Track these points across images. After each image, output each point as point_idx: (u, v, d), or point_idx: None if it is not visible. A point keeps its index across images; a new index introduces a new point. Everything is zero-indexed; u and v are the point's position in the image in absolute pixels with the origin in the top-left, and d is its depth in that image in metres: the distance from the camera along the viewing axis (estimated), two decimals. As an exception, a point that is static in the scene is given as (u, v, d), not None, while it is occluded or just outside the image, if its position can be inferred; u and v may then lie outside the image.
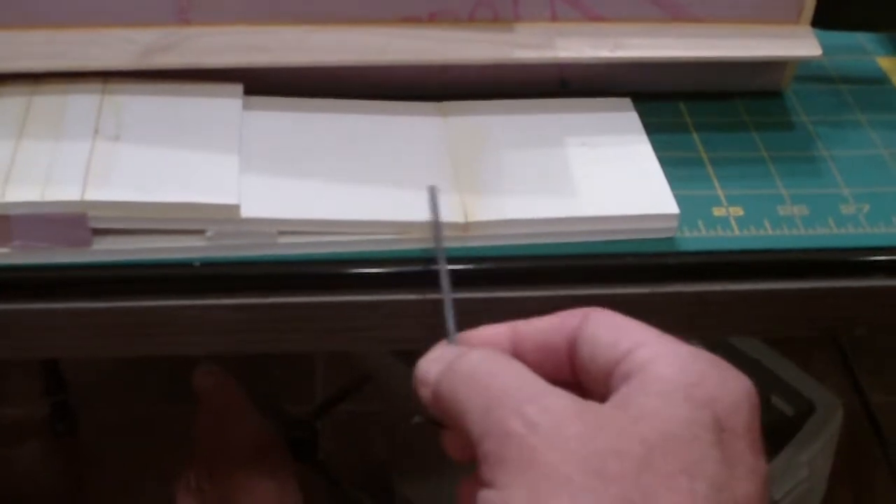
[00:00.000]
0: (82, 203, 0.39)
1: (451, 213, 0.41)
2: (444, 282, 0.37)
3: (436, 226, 0.40)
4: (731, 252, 0.42)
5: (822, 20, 0.47)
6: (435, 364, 0.32)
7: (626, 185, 0.43)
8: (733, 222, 0.43)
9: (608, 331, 0.31)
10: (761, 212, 0.43)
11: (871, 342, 1.12)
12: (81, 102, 0.43)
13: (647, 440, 0.27)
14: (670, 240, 0.42)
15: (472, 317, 0.41)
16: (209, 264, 0.40)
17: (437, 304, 0.41)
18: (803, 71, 0.50)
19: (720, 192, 0.44)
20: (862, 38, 0.54)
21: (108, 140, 0.41)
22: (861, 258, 0.42)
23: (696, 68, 0.48)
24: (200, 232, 0.40)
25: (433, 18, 0.45)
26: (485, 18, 0.45)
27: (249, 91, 0.45)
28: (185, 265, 0.40)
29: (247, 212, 0.40)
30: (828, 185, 0.45)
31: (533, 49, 0.45)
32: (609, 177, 0.43)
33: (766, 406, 0.81)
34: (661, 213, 0.42)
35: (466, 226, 0.41)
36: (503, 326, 0.33)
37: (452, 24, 0.45)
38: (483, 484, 0.28)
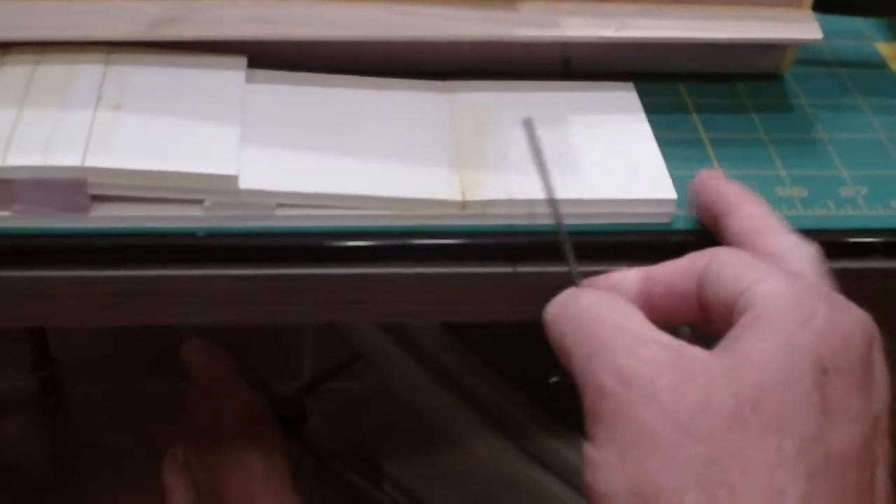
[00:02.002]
0: (82, 169, 0.38)
1: (449, 190, 0.41)
2: (563, 228, 0.37)
3: (540, 162, 0.40)
4: (730, 232, 0.42)
5: (823, 4, 0.47)
6: (555, 307, 0.33)
7: (624, 169, 0.43)
8: (733, 202, 0.43)
9: (731, 267, 0.31)
10: (760, 193, 0.43)
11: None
12: (85, 72, 0.42)
13: (739, 393, 0.27)
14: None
15: (469, 292, 0.42)
16: (208, 235, 0.40)
17: (436, 279, 0.41)
18: (803, 54, 0.50)
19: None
20: (862, 24, 0.54)
21: (110, 109, 0.41)
22: (859, 239, 0.42)
23: (698, 49, 0.48)
24: (199, 202, 0.40)
25: (437, -6, 0.45)
26: (489, -5, 0.45)
27: (254, 65, 0.45)
28: (183, 234, 0.40)
29: (245, 183, 0.40)
30: (826, 167, 0.45)
31: (537, 27, 0.45)
32: (608, 160, 0.43)
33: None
34: (659, 197, 0.42)
35: (464, 204, 0.41)
36: (633, 271, 0.34)
37: (456, 2, 0.45)
38: (587, 436, 0.28)
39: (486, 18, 0.45)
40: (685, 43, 0.46)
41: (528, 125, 0.41)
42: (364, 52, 0.46)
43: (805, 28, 0.47)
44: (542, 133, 0.44)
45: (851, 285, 0.43)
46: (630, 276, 0.34)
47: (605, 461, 0.27)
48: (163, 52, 0.44)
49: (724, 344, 0.29)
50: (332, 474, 0.99)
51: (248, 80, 0.44)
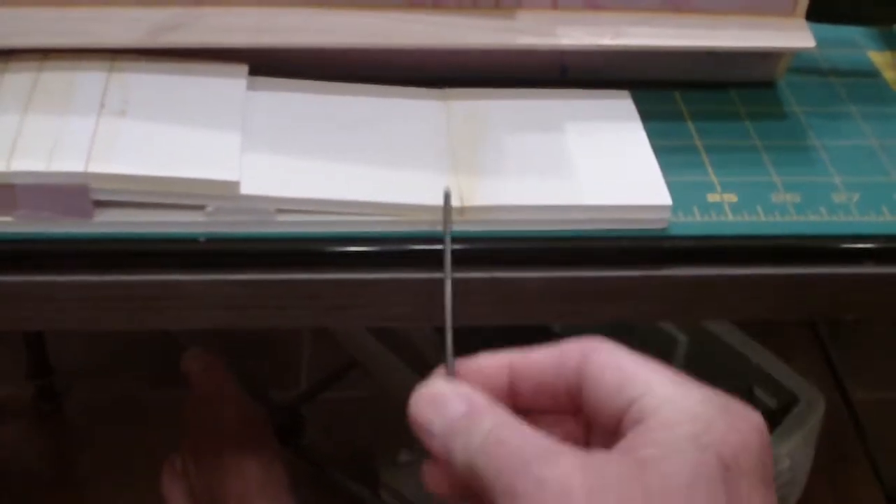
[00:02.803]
0: (85, 175, 0.39)
1: (448, 196, 0.42)
2: (448, 303, 0.37)
3: (445, 252, 0.40)
4: (724, 237, 0.42)
5: (816, 14, 0.48)
6: (436, 413, 0.33)
7: (620, 175, 0.43)
8: (727, 208, 0.44)
9: (612, 373, 0.31)
10: (754, 198, 0.44)
11: (854, 338, 1.13)
12: (89, 78, 0.43)
13: (648, 489, 0.28)
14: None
15: (464, 297, 0.42)
16: (210, 240, 0.41)
17: (434, 284, 0.41)
18: (797, 63, 0.51)
19: (714, 179, 0.45)
20: (854, 32, 0.55)
21: (113, 115, 0.42)
22: (852, 245, 0.43)
23: (693, 58, 0.48)
24: (201, 207, 0.41)
25: (437, 4, 0.45)
26: (487, 5, 0.46)
27: (255, 72, 0.45)
28: (185, 240, 0.41)
29: (246, 189, 0.40)
30: (819, 173, 0.46)
31: (534, 36, 0.45)
32: (604, 166, 0.44)
33: (748, 398, 0.82)
34: (654, 203, 0.42)
35: (462, 210, 0.41)
36: (501, 359, 0.34)
37: (456, 10, 0.45)
38: None
39: (484, 27, 0.45)
40: (680, 51, 0.47)
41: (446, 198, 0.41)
42: (363, 60, 0.46)
43: (798, 37, 0.48)
44: (540, 139, 0.45)
45: (844, 290, 0.44)
46: (499, 366, 0.34)
47: None
48: (165, 60, 0.44)
49: (624, 445, 0.30)
50: (330, 482, 0.99)
51: (250, 87, 0.45)
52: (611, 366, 0.32)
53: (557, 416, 0.34)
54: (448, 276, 0.38)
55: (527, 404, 0.34)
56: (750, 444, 0.29)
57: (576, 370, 0.32)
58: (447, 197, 0.40)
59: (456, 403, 0.33)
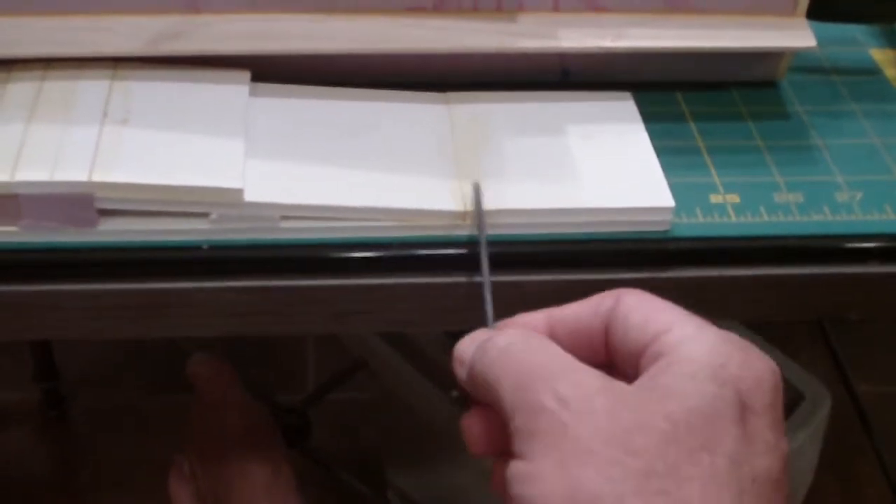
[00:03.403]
0: (89, 184, 0.39)
1: (451, 200, 0.42)
2: (485, 270, 0.38)
3: (478, 215, 0.41)
4: (728, 238, 0.42)
5: (817, 12, 0.48)
6: (472, 344, 0.33)
7: (623, 178, 0.43)
8: (730, 209, 0.44)
9: (639, 313, 0.32)
10: (757, 199, 0.44)
11: (859, 333, 1.13)
12: (91, 87, 0.43)
13: (672, 416, 0.28)
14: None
15: (472, 301, 0.42)
16: (214, 247, 0.41)
17: (448, 288, 0.42)
18: (798, 62, 0.51)
19: (717, 180, 0.45)
20: (855, 31, 0.55)
21: (116, 124, 0.42)
22: (855, 245, 0.43)
23: (695, 58, 0.48)
24: (205, 215, 0.41)
25: (438, 8, 0.45)
26: (488, 8, 0.46)
27: (257, 78, 0.45)
28: (190, 248, 0.41)
29: (250, 196, 0.40)
30: (822, 173, 0.46)
31: (536, 38, 0.45)
32: (607, 169, 0.44)
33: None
34: (657, 205, 0.42)
35: (465, 214, 0.42)
36: (539, 313, 0.34)
37: (457, 14, 0.46)
38: (514, 456, 0.29)
39: (486, 30, 0.45)
40: (682, 52, 0.47)
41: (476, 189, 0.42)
42: (365, 65, 0.46)
43: (799, 36, 0.48)
44: (542, 142, 0.45)
45: (848, 290, 0.44)
46: (537, 318, 0.34)
47: (539, 473, 0.28)
48: (167, 67, 0.44)
49: (645, 380, 0.30)
50: (337, 483, 1.00)
51: (252, 93, 0.45)
52: (638, 304, 0.32)
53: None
54: (483, 242, 0.39)
55: None
56: (764, 383, 0.30)
57: (609, 311, 0.33)
58: (477, 189, 0.41)
59: (489, 331, 0.34)
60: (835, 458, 1.00)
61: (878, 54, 0.54)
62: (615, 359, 0.32)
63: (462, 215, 0.41)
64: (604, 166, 0.44)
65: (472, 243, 0.42)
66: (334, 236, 0.41)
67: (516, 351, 0.31)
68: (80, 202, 0.39)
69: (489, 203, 0.42)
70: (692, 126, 0.48)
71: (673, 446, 0.27)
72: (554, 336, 0.33)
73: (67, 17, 0.43)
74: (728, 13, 0.47)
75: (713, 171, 0.46)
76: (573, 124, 0.46)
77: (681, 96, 0.50)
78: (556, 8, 0.46)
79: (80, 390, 1.10)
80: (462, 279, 0.42)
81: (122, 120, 0.42)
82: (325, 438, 1.03)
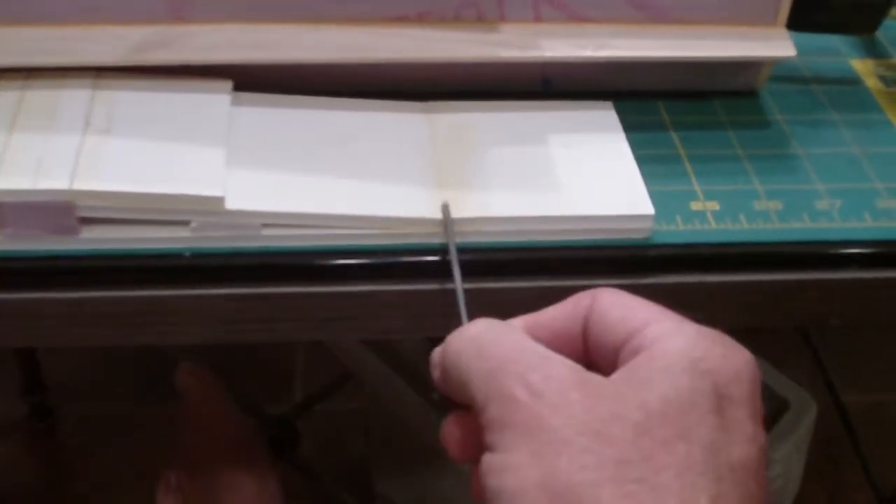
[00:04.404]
0: (71, 192, 0.39)
1: (431, 209, 0.42)
2: (457, 275, 0.38)
3: (447, 221, 0.41)
4: (707, 245, 0.43)
5: (797, 23, 0.49)
6: (447, 344, 0.33)
7: (604, 186, 0.44)
8: (710, 216, 0.44)
9: (617, 310, 0.32)
10: (737, 206, 0.44)
11: (845, 341, 1.14)
12: (73, 96, 0.43)
13: (646, 406, 0.28)
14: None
15: (454, 307, 0.42)
16: (196, 255, 0.41)
17: (422, 296, 0.42)
18: (779, 71, 0.51)
19: (697, 188, 0.45)
20: (835, 41, 0.55)
21: (98, 133, 0.42)
22: (835, 251, 0.43)
23: (676, 68, 0.49)
24: (186, 223, 0.41)
25: (420, 18, 0.46)
26: (470, 18, 0.46)
27: (240, 88, 0.46)
28: (171, 255, 0.41)
29: (231, 204, 0.41)
30: (802, 181, 0.46)
31: (517, 48, 0.46)
32: (588, 177, 0.44)
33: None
34: (637, 213, 0.43)
35: (445, 221, 0.42)
36: (516, 320, 0.34)
37: (439, 24, 0.46)
38: (487, 448, 0.29)
39: (467, 40, 0.46)
40: (662, 62, 0.47)
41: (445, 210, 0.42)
42: (348, 74, 0.47)
43: (780, 46, 0.48)
44: (524, 151, 0.45)
45: (828, 296, 0.44)
46: (515, 323, 0.34)
47: (513, 463, 0.28)
48: (149, 77, 0.45)
49: (622, 373, 0.30)
50: (325, 494, 0.99)
51: (234, 102, 0.45)
52: (616, 301, 0.32)
53: None
54: (453, 247, 0.39)
55: None
56: (742, 375, 0.30)
57: (588, 308, 0.33)
58: (445, 209, 0.41)
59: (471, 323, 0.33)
60: (821, 466, 1.00)
61: (858, 64, 0.54)
62: (594, 357, 0.32)
63: (442, 223, 0.42)
64: (585, 174, 0.44)
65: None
66: (315, 244, 0.42)
67: (485, 340, 0.31)
68: (61, 210, 0.40)
69: (470, 211, 0.42)
70: (673, 135, 0.48)
71: (647, 435, 0.27)
72: (534, 338, 0.33)
73: (49, 27, 0.44)
74: (709, 23, 0.48)
75: (693, 180, 0.46)
76: (554, 133, 0.46)
77: (662, 105, 0.50)
78: (537, 18, 0.47)
79: (67, 401, 1.10)
80: (442, 286, 0.42)
81: (104, 129, 0.42)
82: (313, 449, 1.03)
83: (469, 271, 0.42)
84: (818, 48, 0.54)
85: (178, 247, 0.41)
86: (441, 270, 0.41)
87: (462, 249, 0.42)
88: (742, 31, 0.48)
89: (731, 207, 0.44)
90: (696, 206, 0.44)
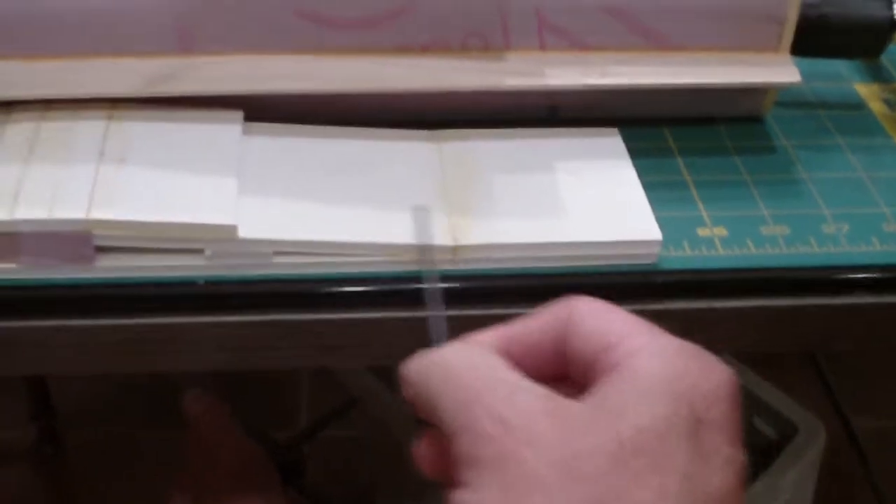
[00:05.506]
0: (87, 221, 0.40)
1: (440, 236, 0.42)
2: (430, 296, 0.38)
3: (422, 244, 0.41)
4: (715, 271, 0.43)
5: (802, 48, 0.49)
6: (416, 359, 0.32)
7: (611, 212, 0.44)
8: (717, 242, 0.44)
9: (592, 320, 0.31)
10: (744, 232, 0.45)
11: (856, 365, 1.13)
12: (88, 127, 0.44)
13: (619, 437, 0.27)
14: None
15: (461, 334, 0.42)
16: (209, 283, 0.41)
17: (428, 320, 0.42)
18: (783, 97, 0.52)
19: (704, 214, 0.46)
20: (839, 66, 0.56)
21: (113, 163, 0.42)
22: (843, 276, 0.43)
23: (680, 95, 0.49)
24: (200, 251, 0.41)
25: (426, 48, 0.46)
26: (476, 48, 0.47)
27: (249, 118, 0.46)
28: (185, 283, 0.41)
29: (244, 232, 0.41)
30: (808, 206, 0.47)
31: (523, 77, 0.46)
32: (595, 203, 0.44)
33: (748, 429, 0.82)
34: (645, 239, 0.43)
35: (455, 249, 0.42)
36: (490, 331, 0.33)
37: (445, 54, 0.46)
38: (459, 483, 0.28)
39: (474, 69, 0.46)
40: (668, 88, 0.48)
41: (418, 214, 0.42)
42: (356, 104, 0.47)
43: (784, 71, 0.48)
44: (531, 179, 0.45)
45: (835, 321, 0.44)
46: (487, 336, 0.33)
47: (483, 501, 0.27)
48: (162, 108, 0.45)
49: (594, 394, 0.29)
50: (332, 520, 0.99)
51: (245, 132, 0.46)
52: (592, 314, 0.31)
53: (554, 385, 0.32)
54: (428, 269, 0.39)
55: (520, 370, 0.32)
56: (720, 392, 0.29)
57: (565, 320, 0.32)
58: (420, 211, 0.42)
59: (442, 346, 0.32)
60: (831, 492, 1.00)
61: (863, 89, 0.55)
62: (570, 368, 0.32)
63: (451, 250, 0.42)
64: (592, 201, 0.44)
65: (460, 277, 0.42)
66: (326, 271, 0.42)
67: (454, 367, 0.30)
68: (78, 239, 0.40)
69: (478, 237, 0.42)
70: (679, 161, 0.49)
71: (620, 470, 0.27)
72: (510, 353, 0.32)
73: (65, 60, 0.44)
74: (713, 50, 0.48)
75: (700, 205, 0.46)
76: (561, 160, 0.46)
77: (668, 132, 0.50)
78: (542, 47, 0.47)
79: (75, 426, 1.10)
80: (452, 313, 0.42)
81: (119, 159, 0.43)
82: (319, 475, 1.03)
83: (476, 298, 0.42)
84: (823, 73, 0.55)
85: (192, 274, 0.41)
86: (449, 297, 0.42)
87: (469, 276, 0.42)
88: (746, 57, 0.48)
89: (739, 233, 0.45)
90: (703, 231, 0.45)
